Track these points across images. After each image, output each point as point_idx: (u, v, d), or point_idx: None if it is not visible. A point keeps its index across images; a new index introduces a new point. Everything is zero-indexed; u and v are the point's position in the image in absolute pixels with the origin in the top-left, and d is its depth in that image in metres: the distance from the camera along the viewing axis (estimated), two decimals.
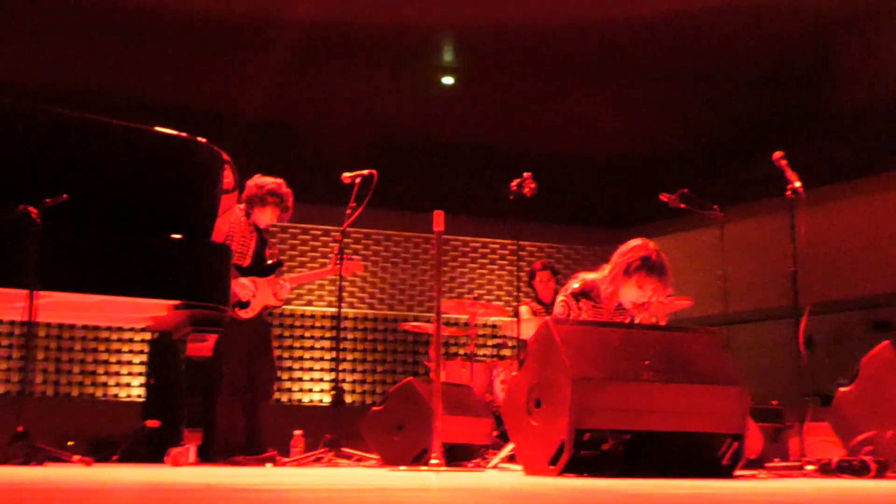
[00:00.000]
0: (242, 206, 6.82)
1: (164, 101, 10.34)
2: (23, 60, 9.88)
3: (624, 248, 5.13)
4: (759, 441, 6.72)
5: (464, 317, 10.22)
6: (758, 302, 11.05)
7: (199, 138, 5.85)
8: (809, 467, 5.19)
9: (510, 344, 10.10)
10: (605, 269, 5.19)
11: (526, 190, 6.81)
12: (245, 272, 6.74)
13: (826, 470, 5.01)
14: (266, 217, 6.87)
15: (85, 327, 10.52)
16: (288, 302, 10.94)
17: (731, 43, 10.12)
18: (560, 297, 5.33)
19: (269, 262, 7.00)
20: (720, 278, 8.43)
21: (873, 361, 4.88)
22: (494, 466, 5.81)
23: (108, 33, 9.66)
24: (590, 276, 5.30)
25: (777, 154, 5.77)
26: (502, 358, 8.37)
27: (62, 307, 5.79)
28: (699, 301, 10.10)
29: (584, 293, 5.25)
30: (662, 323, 5.34)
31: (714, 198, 7.83)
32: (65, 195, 5.15)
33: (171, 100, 10.45)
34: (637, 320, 5.17)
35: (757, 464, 6.07)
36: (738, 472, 4.45)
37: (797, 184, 5.67)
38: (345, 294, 11.38)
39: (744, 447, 4.37)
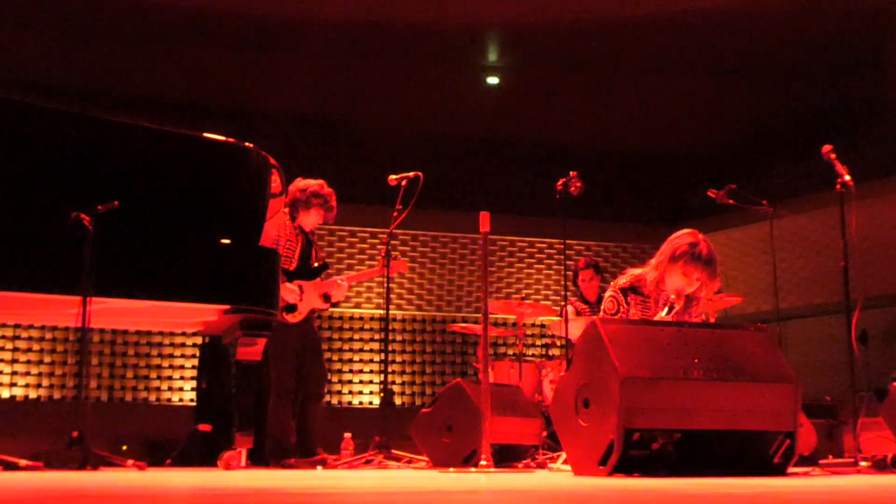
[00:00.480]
0: (287, 209, 6.87)
1: (211, 104, 10.45)
2: (64, 65, 10.01)
3: (672, 236, 5.11)
4: (812, 438, 6.66)
5: (511, 317, 10.22)
6: (809, 297, 10.94)
7: (247, 144, 5.90)
8: (864, 464, 5.12)
9: (559, 343, 10.08)
10: (653, 261, 5.15)
11: (572, 189, 6.80)
12: (291, 276, 6.79)
13: (881, 466, 4.95)
14: (311, 219, 6.93)
15: (138, 333, 10.66)
16: (336, 304, 11.01)
17: (780, 38, 10.02)
18: (608, 293, 5.30)
19: (315, 265, 7.05)
20: (771, 274, 8.36)
21: None
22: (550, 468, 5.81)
23: (154, 37, 9.77)
24: (637, 270, 5.25)
25: (826, 148, 5.71)
26: (551, 358, 8.35)
27: (115, 313, 5.87)
28: (750, 297, 10.03)
29: (633, 288, 5.21)
30: (712, 320, 5.29)
31: (763, 193, 7.77)
32: (116, 202, 5.22)
33: (219, 102, 10.56)
34: (680, 310, 5.06)
35: (810, 461, 6.01)
36: (791, 470, 4.41)
37: (847, 177, 5.60)
38: (392, 296, 11.42)
39: (796, 444, 4.33)
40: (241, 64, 10.32)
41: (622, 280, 5.27)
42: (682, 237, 5.06)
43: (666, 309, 5.08)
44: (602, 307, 5.31)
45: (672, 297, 5.05)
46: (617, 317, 5.14)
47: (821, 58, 10.26)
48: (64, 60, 9.94)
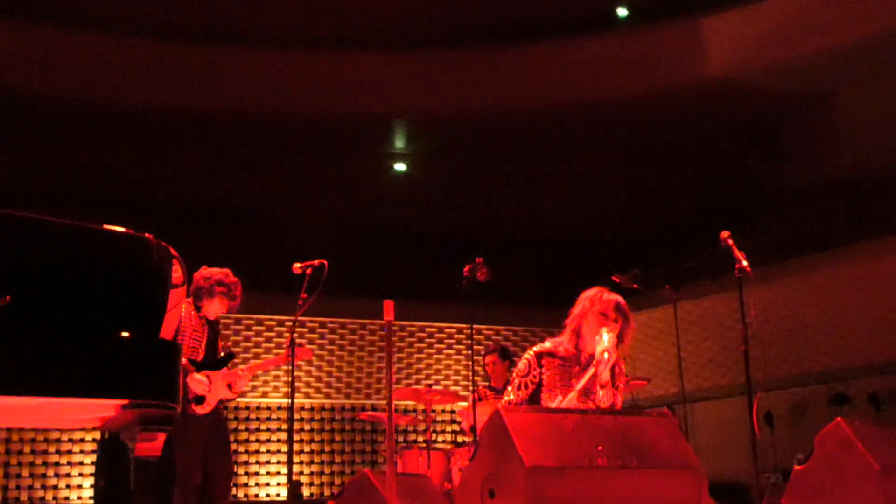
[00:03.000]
0: (191, 299, 6.79)
1: (109, 195, 10.33)
2: None
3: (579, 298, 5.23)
4: None
5: (420, 405, 10.17)
6: (715, 379, 11.10)
7: (146, 234, 5.82)
8: None
9: (467, 430, 10.03)
10: (567, 323, 5.20)
11: (479, 274, 6.84)
12: (199, 366, 6.68)
13: None
14: (215, 308, 6.86)
15: (34, 429, 10.34)
16: (242, 394, 10.83)
17: (683, 126, 10.32)
18: (523, 356, 5.26)
19: (222, 354, 6.95)
20: (676, 357, 8.48)
21: (827, 439, 4.90)
22: None
23: (50, 131, 9.67)
24: (557, 339, 5.26)
25: (724, 234, 5.85)
26: (460, 445, 8.30)
27: (7, 410, 5.69)
28: (657, 380, 10.15)
29: (550, 353, 5.19)
30: (619, 404, 5.32)
31: (667, 277, 7.92)
32: (7, 297, 5.09)
33: (117, 193, 10.44)
34: (603, 363, 5.03)
35: None
36: None
37: (744, 262, 5.74)
38: (300, 384, 11.30)
39: None
40: (141, 154, 10.26)
41: (544, 343, 5.24)
42: (588, 292, 5.21)
43: (588, 373, 5.04)
44: (514, 370, 5.26)
45: (595, 355, 5.02)
46: (527, 379, 5.12)
47: (723, 145, 10.58)
48: None
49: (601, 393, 5.10)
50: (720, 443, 10.38)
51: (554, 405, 5.09)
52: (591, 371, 5.08)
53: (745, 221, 8.59)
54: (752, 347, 5.91)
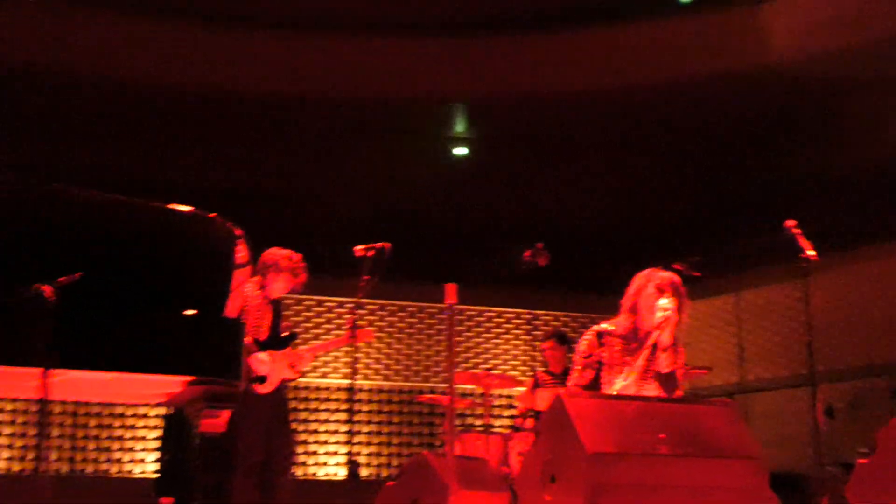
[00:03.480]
0: (256, 278, 6.87)
1: (175, 180, 10.42)
2: (33, 142, 9.99)
3: None
4: None
5: (479, 388, 10.19)
6: (775, 370, 10.97)
7: (211, 214, 5.89)
8: None
9: (527, 415, 10.03)
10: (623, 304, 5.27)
11: (539, 260, 6.81)
12: (262, 346, 6.75)
13: None
14: (279, 288, 6.93)
15: (100, 404, 10.52)
16: (303, 375, 10.92)
17: (741, 113, 10.17)
18: (585, 337, 5.30)
19: (285, 334, 7.02)
20: (736, 346, 8.40)
21: (891, 433, 4.82)
22: None
23: (122, 115, 9.78)
24: (616, 318, 5.31)
25: (790, 222, 5.76)
26: (518, 430, 8.30)
27: (76, 385, 5.80)
28: (716, 369, 10.04)
29: (609, 332, 5.24)
30: (680, 370, 5.23)
31: (728, 265, 7.83)
32: (78, 273, 5.18)
33: (185, 177, 10.53)
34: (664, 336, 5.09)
35: None
36: None
37: (810, 252, 5.64)
38: (360, 366, 11.36)
39: None
40: (213, 143, 10.34)
41: (604, 324, 5.29)
42: (642, 272, 5.30)
43: (648, 348, 5.09)
44: (576, 349, 5.31)
45: (649, 324, 5.09)
46: (589, 360, 5.17)
47: (783, 131, 10.42)
48: (34, 138, 9.93)
49: (662, 356, 5.09)
50: (779, 434, 10.27)
51: (616, 384, 5.10)
52: (650, 345, 5.11)
53: (807, 209, 8.45)
54: (814, 338, 5.84)
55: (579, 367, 5.23)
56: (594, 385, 5.15)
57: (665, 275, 5.25)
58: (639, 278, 5.28)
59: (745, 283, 8.13)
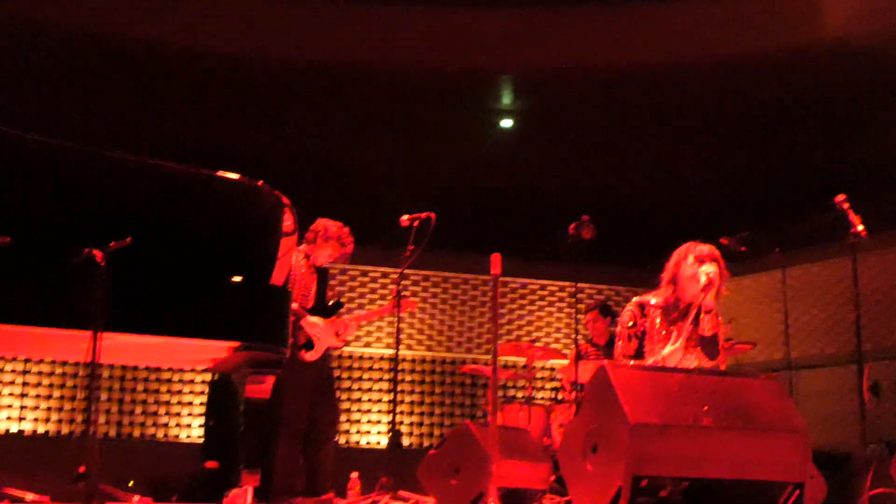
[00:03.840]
0: (303, 247, 6.92)
1: (220, 148, 10.48)
2: (84, 110, 10.08)
3: None
4: (822, 489, 6.60)
5: (521, 359, 10.20)
6: (821, 347, 10.87)
7: (259, 182, 5.93)
8: None
9: (568, 388, 10.06)
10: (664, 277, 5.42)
11: (584, 232, 6.81)
12: (309, 313, 6.81)
13: None
14: (324, 256, 6.98)
15: (147, 368, 10.65)
16: (347, 344, 10.98)
17: (796, 90, 10.03)
18: (627, 307, 5.43)
19: (330, 303, 7.07)
20: (782, 323, 8.33)
21: None
22: None
23: (168, 83, 9.84)
24: (657, 290, 5.46)
25: (839, 197, 5.69)
26: (560, 401, 8.31)
27: (125, 349, 5.88)
28: (761, 346, 9.98)
29: (651, 302, 5.37)
30: (722, 367, 5.30)
31: (776, 241, 7.76)
32: (128, 238, 5.25)
33: (233, 145, 10.59)
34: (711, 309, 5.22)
35: None
36: None
37: (860, 227, 5.58)
38: (403, 336, 11.41)
39: (805, 495, 4.30)
40: (255, 108, 10.37)
41: (647, 296, 5.43)
42: (682, 245, 5.44)
43: (692, 317, 5.18)
44: (619, 319, 5.44)
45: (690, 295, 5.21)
46: (633, 330, 5.29)
47: (839, 108, 10.27)
48: (83, 104, 10.02)
49: (705, 318, 5.20)
50: (824, 411, 10.19)
51: (663, 351, 5.18)
52: (693, 312, 5.19)
53: (859, 185, 8.35)
54: (862, 316, 5.78)
55: (624, 337, 5.33)
56: (638, 355, 5.22)
57: (704, 247, 5.36)
58: (678, 251, 5.42)
59: (792, 259, 8.05)
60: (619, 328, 5.43)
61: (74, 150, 5.56)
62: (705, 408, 4.24)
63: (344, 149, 11.14)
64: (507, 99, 10.83)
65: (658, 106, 10.53)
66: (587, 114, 10.78)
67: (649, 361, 5.23)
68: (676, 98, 10.35)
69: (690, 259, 5.31)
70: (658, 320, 5.31)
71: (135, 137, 9.93)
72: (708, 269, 5.20)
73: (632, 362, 5.21)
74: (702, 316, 5.20)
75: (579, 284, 7.08)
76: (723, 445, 4.20)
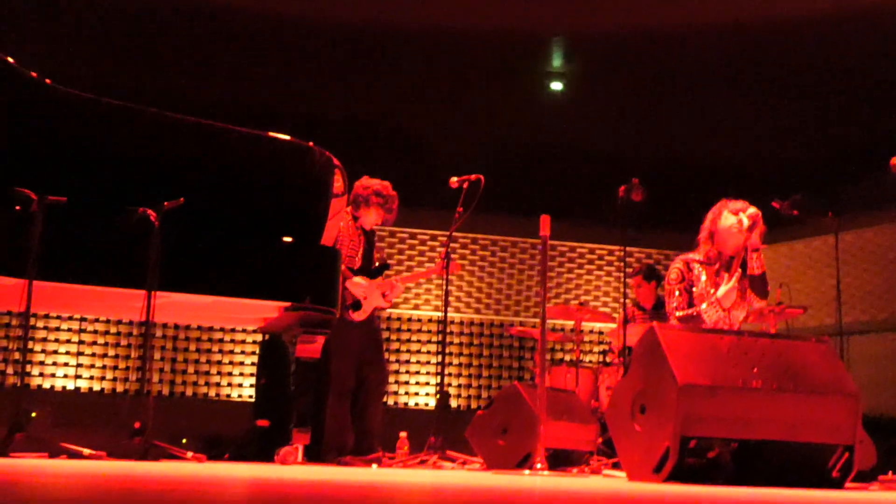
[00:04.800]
0: (350, 208, 6.94)
1: (272, 108, 10.53)
2: (127, 67, 10.16)
3: None
4: (872, 454, 6.56)
5: (569, 322, 10.18)
6: (874, 312, 10.76)
7: (310, 143, 5.96)
8: None
9: (616, 350, 10.07)
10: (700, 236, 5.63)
11: (633, 195, 6.76)
12: (355, 274, 6.85)
13: None
14: (371, 218, 6.99)
15: (199, 328, 10.78)
16: (395, 305, 11.03)
17: (852, 51, 9.87)
18: (673, 265, 5.59)
19: (377, 264, 7.11)
20: (834, 288, 8.23)
21: None
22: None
23: (219, 43, 9.89)
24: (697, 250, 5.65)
25: (895, 160, 5.61)
26: (608, 364, 8.31)
27: (178, 308, 5.97)
28: (812, 310, 9.89)
29: (695, 259, 5.53)
30: (772, 330, 5.34)
31: (828, 205, 7.67)
32: (181, 199, 5.31)
33: (286, 107, 10.64)
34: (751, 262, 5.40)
35: (869, 476, 5.92)
36: (848, 485, 4.35)
37: None
38: (451, 298, 11.44)
39: (855, 459, 4.28)
40: (305, 69, 10.41)
41: (681, 255, 5.62)
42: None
43: (734, 277, 5.36)
44: (667, 278, 5.58)
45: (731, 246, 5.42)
46: (682, 285, 5.44)
47: (893, 69, 10.10)
48: (133, 64, 10.11)
49: (754, 256, 5.40)
50: (875, 377, 10.10)
51: (715, 295, 5.34)
52: (738, 261, 5.40)
53: None
54: None
55: (674, 293, 5.45)
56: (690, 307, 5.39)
57: (737, 201, 5.54)
58: (712, 209, 5.60)
59: (845, 224, 7.94)
60: (667, 286, 5.55)
61: (129, 109, 5.62)
62: (755, 369, 4.22)
63: (395, 111, 11.15)
64: (557, 61, 10.78)
65: (709, 66, 10.42)
66: (637, 75, 10.71)
67: (703, 306, 5.34)
68: (728, 58, 10.23)
69: (726, 212, 5.48)
70: (703, 277, 5.44)
71: (188, 98, 10.00)
72: (749, 212, 5.39)
73: (685, 313, 5.34)
74: (750, 254, 5.38)
75: (628, 248, 7.06)
76: (772, 407, 4.19)
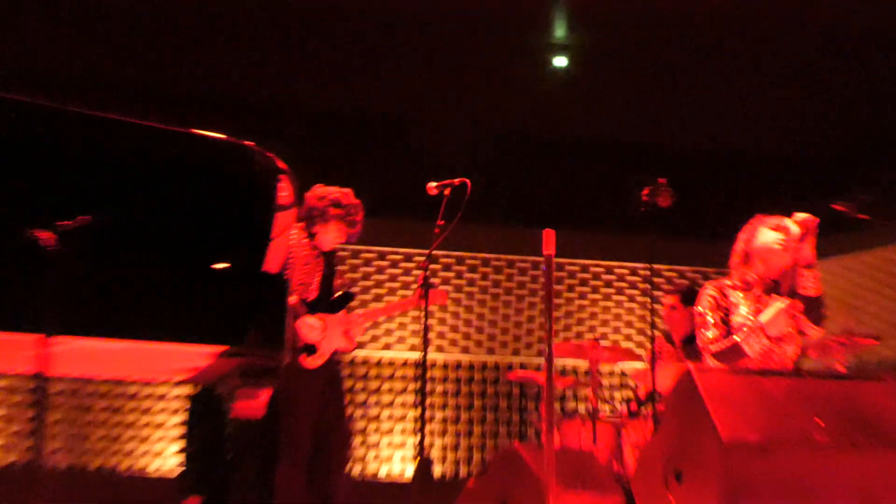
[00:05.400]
0: (301, 224, 6.94)
1: (213, 97, 10.51)
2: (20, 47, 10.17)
3: None
4: None
5: (583, 363, 10.19)
6: None
7: (246, 142, 5.96)
8: None
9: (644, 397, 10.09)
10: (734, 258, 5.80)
11: (660, 199, 6.79)
12: (311, 308, 6.85)
13: None
14: (330, 236, 7.01)
15: (109, 381, 10.72)
16: (361, 346, 11.02)
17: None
18: (704, 293, 5.71)
19: (338, 294, 7.11)
20: None
21: None
22: None
23: (148, 23, 9.91)
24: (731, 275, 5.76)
25: None
26: (634, 416, 8.33)
27: (81, 356, 5.96)
28: (887, 338, 9.95)
29: (730, 284, 5.65)
30: (840, 369, 5.37)
31: None
32: (85, 217, 5.30)
33: (222, 95, 10.63)
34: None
35: None
36: None
37: None
38: (432, 335, 11.44)
39: None
40: (249, 52, 10.40)
41: (714, 280, 5.79)
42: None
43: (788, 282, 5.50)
44: (695, 309, 5.70)
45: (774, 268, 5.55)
46: (717, 314, 5.54)
47: None
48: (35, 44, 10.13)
49: (807, 275, 5.49)
50: None
51: (759, 319, 5.41)
52: (787, 281, 5.52)
53: None
54: None
55: (707, 324, 5.58)
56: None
57: (773, 217, 5.72)
58: (744, 228, 5.81)
59: None
60: (698, 317, 5.65)
61: (17, 103, 5.61)
62: (818, 419, 4.24)
63: (359, 98, 11.14)
64: (560, 31, 10.80)
65: (748, 38, 10.47)
66: (661, 46, 10.74)
67: (743, 331, 5.44)
68: (771, 27, 10.29)
69: (762, 228, 5.66)
70: (742, 304, 5.55)
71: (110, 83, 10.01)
72: (799, 217, 5.53)
73: (722, 345, 5.45)
74: (802, 272, 5.47)
75: (655, 266, 7.06)
76: (843, 467, 4.21)
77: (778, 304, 5.40)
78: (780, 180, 11.92)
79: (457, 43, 10.54)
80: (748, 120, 11.54)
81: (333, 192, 7.00)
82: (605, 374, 11.71)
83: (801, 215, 5.54)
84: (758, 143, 11.85)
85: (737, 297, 5.57)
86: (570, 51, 10.87)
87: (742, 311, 5.50)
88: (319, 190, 7.01)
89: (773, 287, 5.53)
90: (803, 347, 5.70)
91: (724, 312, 5.53)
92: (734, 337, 5.42)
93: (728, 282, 5.66)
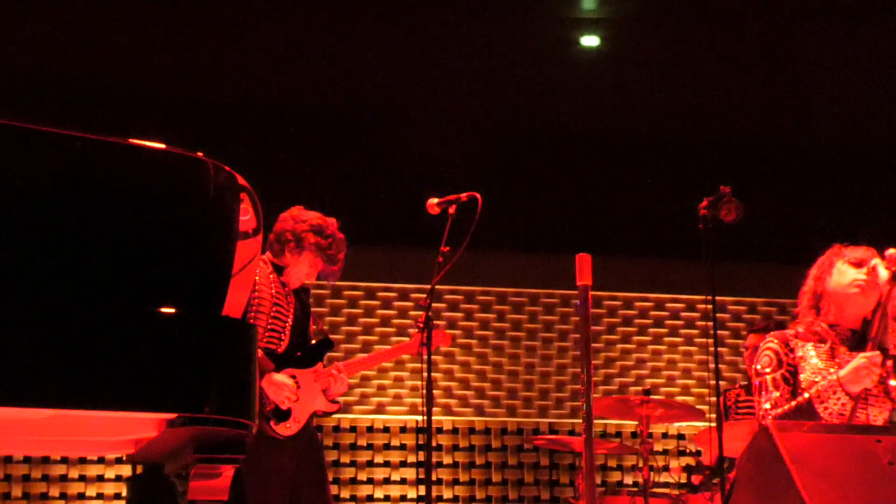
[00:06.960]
0: (268, 255, 6.96)
1: (158, 94, 10.57)
2: None
3: None
4: None
5: (631, 423, 10.19)
6: None
7: (198, 154, 5.98)
8: None
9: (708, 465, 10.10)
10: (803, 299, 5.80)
11: (724, 213, 6.80)
12: (281, 361, 6.86)
13: None
14: (302, 268, 7.04)
15: (28, 459, 10.74)
16: (346, 408, 11.02)
17: None
18: (764, 345, 5.71)
19: (314, 341, 7.12)
20: None
21: None
22: None
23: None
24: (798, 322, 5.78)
25: None
26: (696, 490, 8.34)
27: None
28: None
29: (797, 334, 5.66)
30: None
31: None
32: None
33: (171, 91, 10.68)
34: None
35: None
36: None
37: None
38: (437, 391, 11.43)
39: None
40: (206, 35, 10.46)
41: (776, 331, 5.84)
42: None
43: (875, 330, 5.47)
44: (753, 367, 5.72)
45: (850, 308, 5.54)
46: (779, 372, 5.56)
47: None
48: None
49: None
50: None
51: (837, 374, 5.37)
52: (875, 328, 5.47)
53: None
54: None
55: (769, 386, 5.57)
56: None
57: (855, 247, 5.70)
58: (816, 265, 5.81)
59: None
60: (755, 377, 5.65)
61: None
62: None
63: (338, 87, 11.18)
64: (589, 4, 10.86)
65: (813, 9, 10.51)
66: (713, 21, 10.79)
67: (812, 391, 5.44)
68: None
69: (840, 264, 5.63)
70: (814, 357, 5.55)
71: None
72: (889, 254, 5.49)
73: (787, 408, 5.44)
74: (892, 323, 5.45)
75: (718, 298, 7.05)
76: None
77: (860, 360, 5.33)
78: (878, 183, 11.90)
79: (458, 19, 10.60)
80: (820, 109, 11.56)
81: (312, 217, 7.02)
82: (657, 438, 11.70)
83: (889, 251, 5.51)
84: (834, 137, 11.85)
85: (806, 350, 5.57)
86: (602, 26, 10.93)
87: (813, 363, 5.46)
88: (297, 212, 7.02)
89: (853, 339, 5.51)
90: (892, 412, 5.65)
91: (790, 369, 5.50)
92: (805, 395, 5.39)
93: (793, 331, 5.67)
